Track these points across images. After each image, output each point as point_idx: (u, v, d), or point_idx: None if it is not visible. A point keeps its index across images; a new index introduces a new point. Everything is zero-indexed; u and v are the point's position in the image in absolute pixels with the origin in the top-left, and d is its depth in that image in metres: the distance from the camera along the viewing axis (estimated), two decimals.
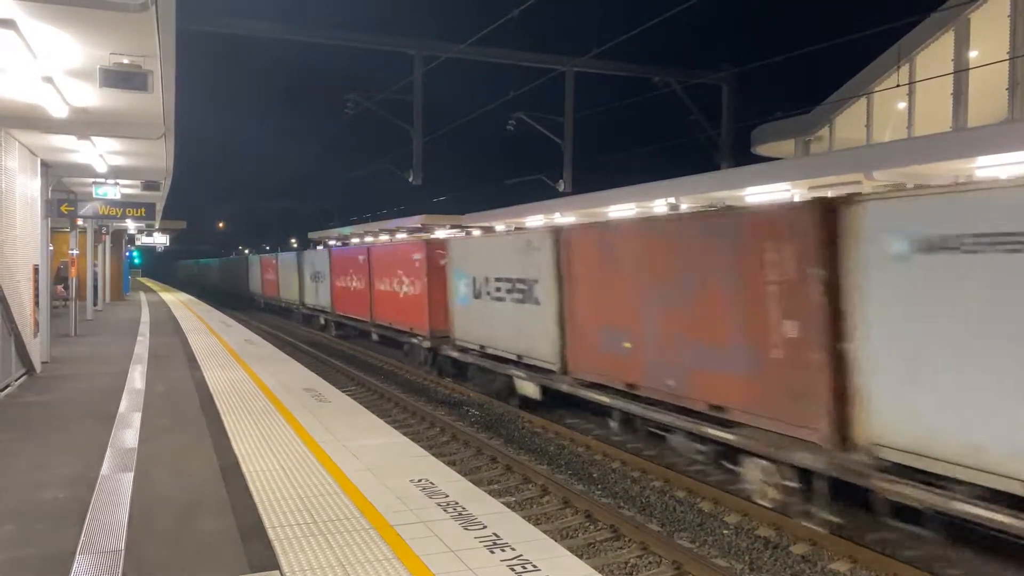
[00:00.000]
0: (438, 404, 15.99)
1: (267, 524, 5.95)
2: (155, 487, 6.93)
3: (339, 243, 35.98)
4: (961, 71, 18.10)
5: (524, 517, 7.03)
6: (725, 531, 8.61)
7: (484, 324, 15.72)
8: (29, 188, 13.63)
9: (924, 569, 7.22)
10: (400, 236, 29.23)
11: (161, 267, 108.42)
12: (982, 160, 10.13)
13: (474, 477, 10.21)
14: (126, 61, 8.17)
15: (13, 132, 11.88)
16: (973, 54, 18.46)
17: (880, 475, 7.12)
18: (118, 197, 18.83)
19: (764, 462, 8.61)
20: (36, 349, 13.56)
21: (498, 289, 14.97)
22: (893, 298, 6.99)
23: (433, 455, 8.36)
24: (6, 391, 11.61)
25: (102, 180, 17.81)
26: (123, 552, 5.38)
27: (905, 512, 7.18)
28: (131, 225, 33.65)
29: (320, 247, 36.32)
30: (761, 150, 26.20)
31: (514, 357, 14.48)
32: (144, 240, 45.55)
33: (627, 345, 10.86)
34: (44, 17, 7.02)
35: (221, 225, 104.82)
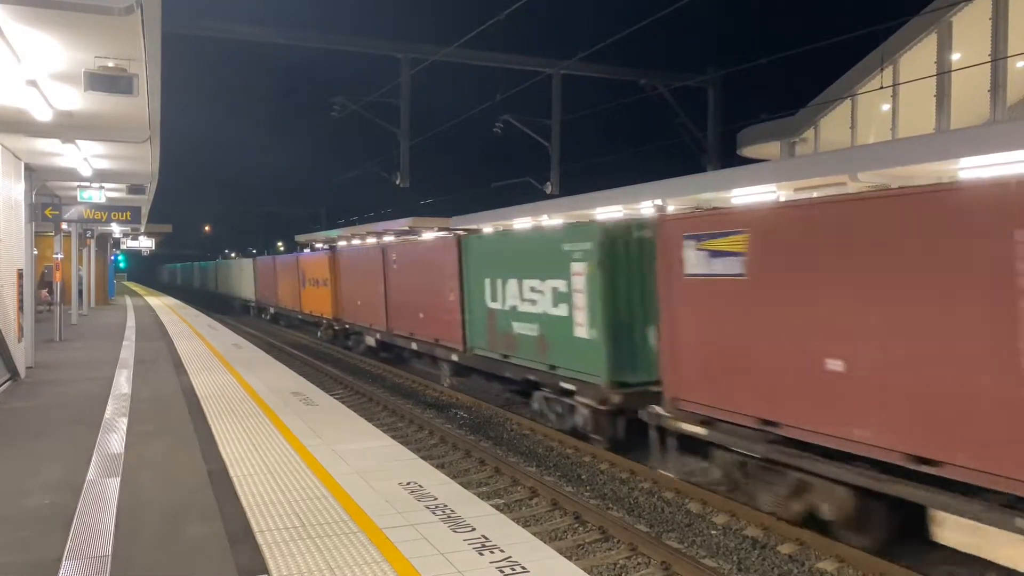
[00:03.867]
0: (426, 407, 15.97)
1: (255, 528, 5.93)
2: (142, 492, 6.90)
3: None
4: (944, 73, 18.27)
5: (513, 519, 7.04)
6: (713, 531, 8.64)
7: None
8: (13, 192, 13.53)
9: (910, 568, 7.27)
10: (387, 238, 29.17)
11: (147, 271, 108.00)
12: (964, 162, 10.25)
13: (463, 480, 10.21)
14: (111, 64, 8.14)
15: None
16: (956, 57, 18.63)
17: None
18: (103, 201, 18.69)
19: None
20: (20, 354, 13.46)
21: None
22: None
23: (422, 458, 8.36)
24: None
25: (87, 184, 17.69)
26: (110, 558, 5.35)
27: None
28: (116, 229, 33.43)
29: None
30: (747, 152, 26.34)
31: None
32: (129, 244, 45.29)
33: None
34: (28, 20, 6.98)
35: (207, 229, 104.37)
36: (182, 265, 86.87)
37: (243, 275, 43.29)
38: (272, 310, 36.89)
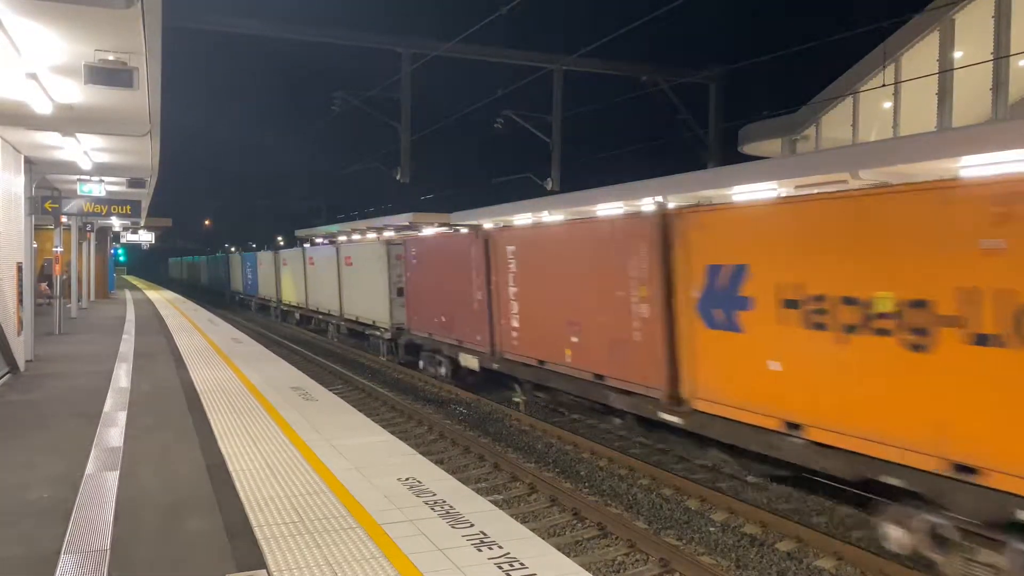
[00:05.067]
0: (426, 402, 15.98)
1: (254, 523, 5.93)
2: (141, 486, 6.90)
3: None
4: (946, 71, 18.23)
5: (512, 515, 7.04)
6: (711, 528, 8.65)
7: None
8: (12, 185, 13.51)
9: (909, 567, 7.28)
10: (387, 234, 29.10)
11: (148, 265, 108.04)
12: (966, 160, 10.21)
13: (462, 475, 10.22)
14: (111, 58, 8.11)
15: None
16: (958, 54, 18.59)
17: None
18: (103, 194, 18.67)
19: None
20: (20, 348, 13.45)
21: None
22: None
23: (421, 453, 8.36)
24: None
25: (87, 177, 17.67)
26: (108, 551, 5.35)
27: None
28: (116, 222, 33.42)
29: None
30: (748, 149, 26.28)
31: None
32: (129, 238, 45.29)
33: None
34: (29, 14, 6.96)
35: (208, 223, 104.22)
36: (208, 258, 63.72)
37: (361, 276, 23.31)
38: (473, 359, 15.29)
